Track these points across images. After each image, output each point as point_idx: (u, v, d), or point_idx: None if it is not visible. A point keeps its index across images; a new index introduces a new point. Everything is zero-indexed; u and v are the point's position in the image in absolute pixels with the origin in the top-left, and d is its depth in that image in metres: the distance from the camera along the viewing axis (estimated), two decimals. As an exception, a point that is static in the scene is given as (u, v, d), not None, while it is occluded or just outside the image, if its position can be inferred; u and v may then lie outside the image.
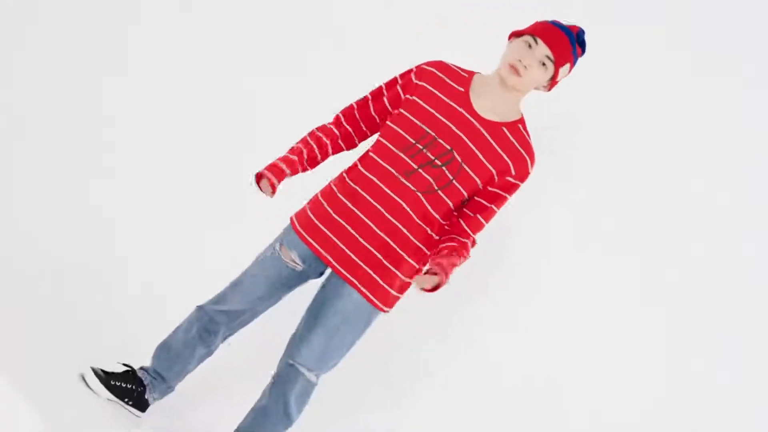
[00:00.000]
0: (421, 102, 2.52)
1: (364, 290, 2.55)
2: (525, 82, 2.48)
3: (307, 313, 2.66)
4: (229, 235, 3.44)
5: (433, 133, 2.48)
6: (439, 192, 2.48)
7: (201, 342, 2.73)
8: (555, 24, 2.51)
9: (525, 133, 2.53)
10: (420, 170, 2.48)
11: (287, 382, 2.63)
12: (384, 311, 2.60)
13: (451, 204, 2.51)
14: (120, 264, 3.39)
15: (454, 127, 2.49)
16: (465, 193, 2.50)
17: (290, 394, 2.62)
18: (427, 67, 2.58)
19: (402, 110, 2.54)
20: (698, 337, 3.28)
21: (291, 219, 2.66)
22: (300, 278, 2.67)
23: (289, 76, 3.53)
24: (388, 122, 2.57)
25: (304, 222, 2.61)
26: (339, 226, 2.54)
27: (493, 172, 2.49)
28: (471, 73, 2.59)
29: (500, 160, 2.49)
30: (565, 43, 2.48)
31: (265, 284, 2.65)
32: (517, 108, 2.55)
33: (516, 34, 2.54)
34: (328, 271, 2.66)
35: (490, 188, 2.52)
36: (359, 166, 2.57)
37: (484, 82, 2.55)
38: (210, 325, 2.71)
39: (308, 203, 2.66)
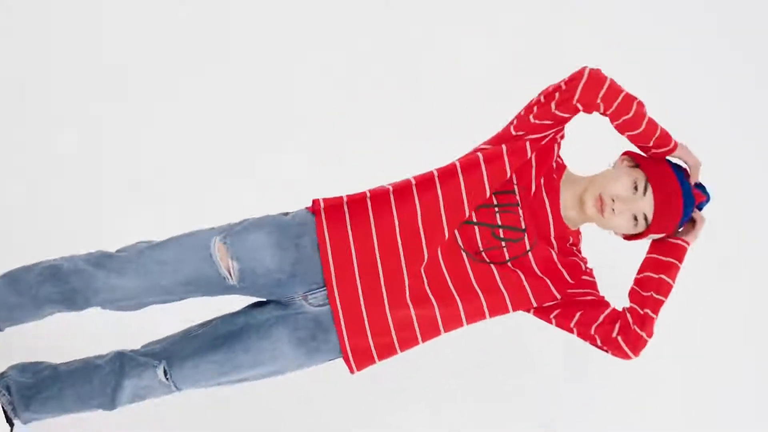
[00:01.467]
0: None
1: (346, 344, 2.02)
2: (603, 223, 2.06)
3: (221, 326, 2.07)
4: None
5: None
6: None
7: (57, 305, 2.03)
8: (681, 182, 2.01)
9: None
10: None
11: (140, 374, 2.06)
12: (350, 371, 2.07)
13: None
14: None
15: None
16: None
17: (132, 384, 2.06)
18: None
19: None
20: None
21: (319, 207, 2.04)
22: (228, 290, 2.03)
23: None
24: None
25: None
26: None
27: None
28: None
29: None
30: (676, 213, 2.00)
31: (175, 277, 1.99)
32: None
33: (630, 159, 2.08)
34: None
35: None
36: None
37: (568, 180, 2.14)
38: (82, 292, 2.01)
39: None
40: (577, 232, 2.14)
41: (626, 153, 2.09)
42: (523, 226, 2.03)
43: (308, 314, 2.03)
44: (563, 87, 1.99)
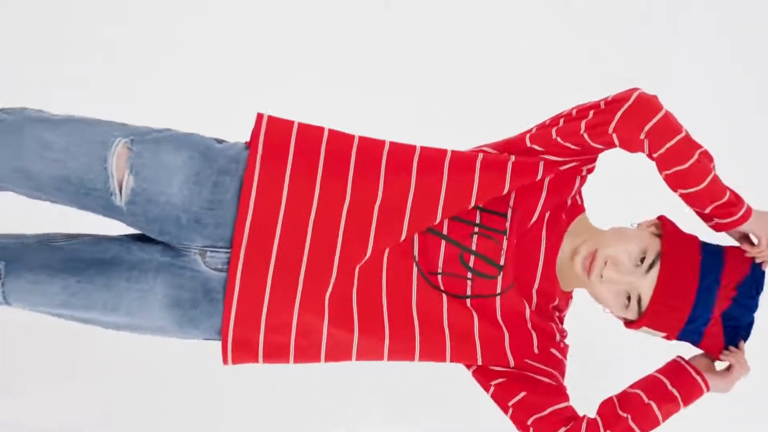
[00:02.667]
0: None
1: (230, 330, 1.53)
2: (590, 289, 1.60)
3: (87, 249, 1.58)
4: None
5: None
6: None
7: None
8: (704, 276, 1.53)
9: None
10: None
11: None
12: (223, 361, 1.56)
13: None
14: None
15: None
16: None
17: None
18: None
19: None
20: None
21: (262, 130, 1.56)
22: (109, 211, 1.53)
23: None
24: None
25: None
26: None
27: None
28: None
29: None
30: (678, 311, 1.53)
31: (53, 170, 1.50)
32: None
33: (659, 227, 1.60)
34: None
35: None
36: None
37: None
38: None
39: None
40: (567, 296, 1.66)
41: (661, 218, 1.60)
42: (502, 262, 1.55)
43: (199, 275, 1.52)
44: (602, 107, 1.52)
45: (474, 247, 1.55)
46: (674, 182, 1.50)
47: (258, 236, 1.50)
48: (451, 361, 1.58)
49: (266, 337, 1.52)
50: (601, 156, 1.59)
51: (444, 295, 1.55)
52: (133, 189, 1.49)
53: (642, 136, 1.47)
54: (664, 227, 1.57)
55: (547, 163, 1.56)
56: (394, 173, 1.54)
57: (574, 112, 1.55)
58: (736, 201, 1.52)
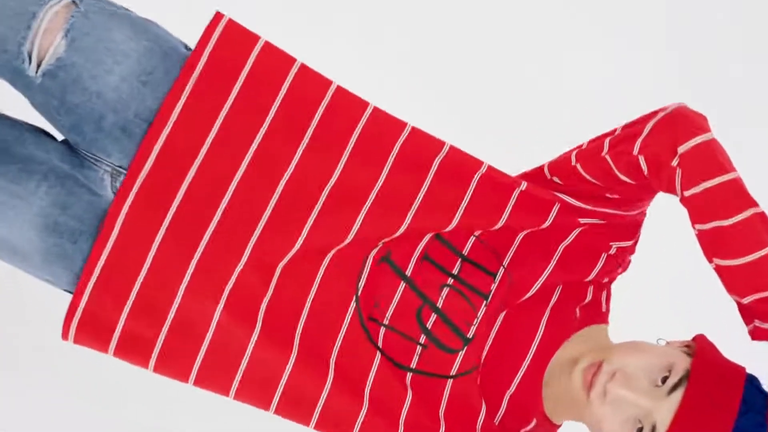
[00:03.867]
0: None
1: (83, 298, 1.12)
2: (586, 411, 1.16)
3: None
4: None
5: None
6: None
7: None
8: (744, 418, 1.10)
9: None
10: None
11: None
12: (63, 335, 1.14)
13: None
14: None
15: None
16: None
17: None
18: None
19: None
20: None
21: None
22: (16, 80, 1.12)
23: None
24: None
25: None
26: None
27: None
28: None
29: None
30: None
31: None
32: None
33: (691, 348, 1.16)
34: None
35: None
36: None
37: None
38: None
39: None
40: (550, 428, 1.22)
41: (698, 336, 1.17)
42: (471, 335, 1.16)
43: (98, 201, 1.13)
44: (633, 122, 1.16)
45: (440, 304, 1.15)
46: (708, 245, 1.09)
47: (164, 171, 1.09)
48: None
49: (128, 322, 1.10)
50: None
51: (378, 355, 1.15)
52: (60, 59, 1.08)
53: (674, 162, 1.07)
54: (699, 344, 1.13)
55: (564, 207, 1.16)
56: (364, 153, 1.13)
57: (616, 131, 1.16)
58: None
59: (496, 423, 1.19)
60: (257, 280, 1.10)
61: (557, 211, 1.16)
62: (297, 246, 1.10)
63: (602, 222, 1.18)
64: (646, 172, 1.09)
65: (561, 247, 1.19)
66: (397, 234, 1.13)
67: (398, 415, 1.16)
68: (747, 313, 1.12)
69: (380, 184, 1.13)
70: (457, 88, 2.46)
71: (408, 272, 1.15)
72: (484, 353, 1.18)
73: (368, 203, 1.12)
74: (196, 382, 1.12)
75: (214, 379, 1.12)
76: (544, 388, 1.18)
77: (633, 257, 1.25)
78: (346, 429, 1.15)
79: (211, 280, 1.10)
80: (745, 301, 1.09)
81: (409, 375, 1.16)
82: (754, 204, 1.06)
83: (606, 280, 1.23)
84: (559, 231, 1.19)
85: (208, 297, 1.10)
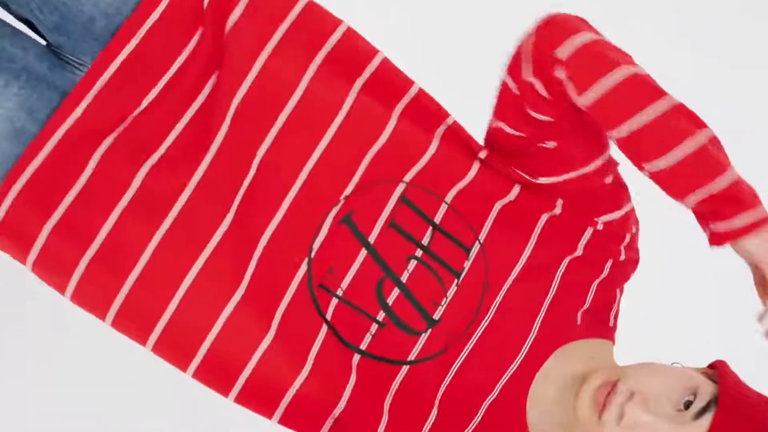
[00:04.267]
0: None
1: (8, 198, 1.02)
2: None
3: None
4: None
5: None
6: None
7: None
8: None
9: None
10: None
11: None
12: None
13: None
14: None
15: None
16: None
17: None
18: None
19: None
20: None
21: None
22: None
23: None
24: None
25: None
26: None
27: None
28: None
29: None
30: None
31: None
32: None
33: (712, 373, 1.02)
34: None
35: None
36: None
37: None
38: None
39: None
40: None
41: (719, 363, 1.02)
42: (438, 317, 0.99)
43: None
44: (513, 58, 1.01)
45: (405, 278, 0.99)
46: (631, 151, 0.95)
47: (125, 83, 0.99)
48: (280, 420, 1.02)
49: (52, 238, 0.97)
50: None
51: (325, 327, 0.99)
52: None
53: (558, 71, 0.93)
54: (723, 370, 1.00)
55: (526, 185, 1.04)
56: (332, 73, 1.02)
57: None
58: (741, 197, 0.93)
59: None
60: (207, 207, 0.98)
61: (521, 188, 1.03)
62: (253, 167, 0.97)
63: (573, 192, 1.02)
64: (541, 91, 0.95)
65: (540, 222, 1.03)
66: (357, 176, 0.98)
67: (338, 396, 1.00)
68: (698, 217, 0.96)
69: (344, 113, 1.00)
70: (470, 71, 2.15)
71: (371, 238, 0.98)
72: (468, 346, 0.99)
73: (330, 131, 0.99)
74: (114, 323, 0.98)
75: (138, 319, 0.98)
76: (528, 400, 1.01)
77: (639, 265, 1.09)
78: (278, 393, 1.00)
79: (152, 205, 0.97)
80: (688, 203, 0.94)
81: (356, 356, 0.99)
82: (664, 94, 0.92)
83: (612, 285, 1.07)
84: (534, 208, 1.03)
85: (144, 223, 0.97)
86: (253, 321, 0.98)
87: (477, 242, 1.00)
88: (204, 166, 0.97)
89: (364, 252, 0.98)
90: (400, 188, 1.00)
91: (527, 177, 1.01)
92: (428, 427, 1.01)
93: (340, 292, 0.98)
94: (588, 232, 1.04)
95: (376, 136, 1.01)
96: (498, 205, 1.03)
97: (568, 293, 1.03)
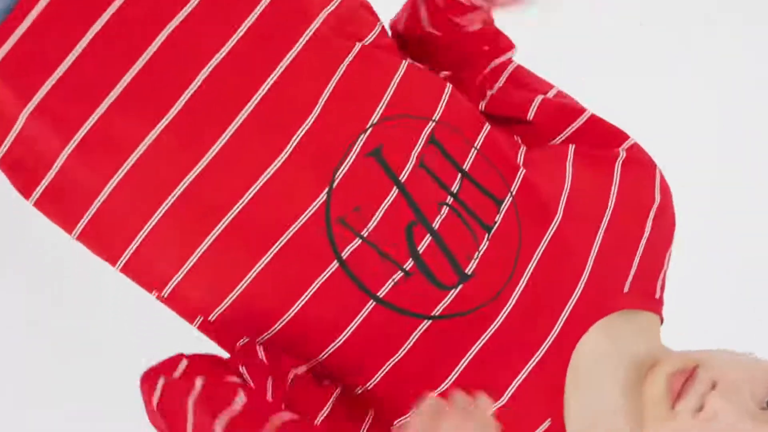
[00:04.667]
0: None
1: None
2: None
3: None
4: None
5: None
6: None
7: None
8: None
9: None
10: None
11: None
12: None
13: None
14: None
15: None
16: None
17: None
18: None
19: None
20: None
21: None
22: None
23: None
24: None
25: None
26: None
27: None
28: None
29: None
30: None
31: None
32: None
33: None
34: None
35: None
36: None
37: None
38: None
39: None
40: None
41: None
42: (469, 272, 0.88)
43: None
44: None
45: (436, 225, 0.88)
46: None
47: None
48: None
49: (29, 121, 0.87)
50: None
51: (335, 264, 0.86)
52: None
53: None
54: None
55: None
56: None
57: None
58: None
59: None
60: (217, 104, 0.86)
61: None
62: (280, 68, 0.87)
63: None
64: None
65: (572, 157, 0.97)
66: (383, 102, 0.89)
67: (328, 342, 0.88)
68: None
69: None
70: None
71: (402, 177, 0.87)
72: (505, 311, 0.87)
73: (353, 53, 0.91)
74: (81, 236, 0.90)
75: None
76: (567, 381, 0.89)
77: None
78: (264, 321, 0.89)
79: (149, 104, 0.85)
80: None
81: (370, 303, 0.87)
82: None
83: (659, 246, 0.97)
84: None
85: (143, 119, 0.85)
86: (247, 245, 0.87)
87: (509, 195, 0.91)
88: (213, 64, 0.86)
89: (395, 191, 0.87)
90: (429, 127, 0.91)
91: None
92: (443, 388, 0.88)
93: (365, 233, 0.86)
94: (617, 167, 0.97)
95: (397, 66, 0.92)
96: (522, 152, 0.97)
97: (612, 254, 0.92)
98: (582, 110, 1.01)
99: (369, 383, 0.89)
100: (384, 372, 0.88)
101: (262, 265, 0.86)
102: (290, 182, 0.86)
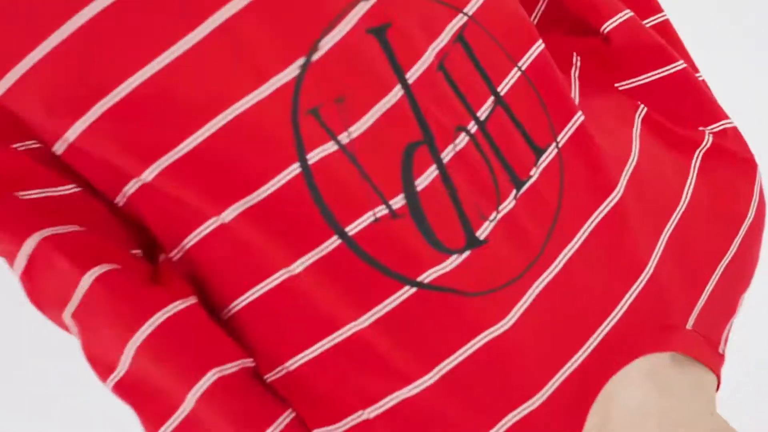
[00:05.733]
0: None
1: None
2: None
3: None
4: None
5: None
6: None
7: None
8: None
9: None
10: None
11: None
12: None
13: None
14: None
15: None
16: None
17: None
18: None
19: None
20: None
21: None
22: None
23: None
24: None
25: None
26: None
27: None
28: None
29: None
30: None
31: None
32: None
33: None
34: None
35: None
36: None
37: None
38: None
39: None
40: None
41: None
42: (481, 237, 0.58)
43: None
44: None
45: (447, 158, 0.58)
46: None
47: None
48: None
49: None
50: None
51: (298, 168, 0.55)
52: None
53: None
54: None
55: None
56: None
57: None
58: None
59: None
60: None
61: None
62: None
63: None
64: None
65: (637, 124, 0.68)
66: None
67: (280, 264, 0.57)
68: None
69: None
70: None
71: (410, 76, 0.57)
72: (521, 305, 0.58)
73: None
74: None
75: None
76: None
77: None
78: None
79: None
80: None
81: (334, 239, 0.56)
82: None
83: (736, 281, 0.71)
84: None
85: None
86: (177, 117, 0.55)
87: (554, 144, 0.62)
88: None
89: (398, 91, 0.57)
90: (459, 20, 0.60)
91: None
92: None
93: (345, 138, 0.56)
94: (697, 157, 0.69)
95: None
96: (575, 88, 0.68)
97: (679, 268, 0.64)
98: (674, 58, 0.70)
99: (301, 356, 0.60)
100: (336, 339, 0.58)
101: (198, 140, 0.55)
102: (250, 42, 0.54)
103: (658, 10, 0.75)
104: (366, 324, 0.57)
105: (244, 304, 0.59)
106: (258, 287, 0.59)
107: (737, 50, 1.96)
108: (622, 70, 0.70)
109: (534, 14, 0.73)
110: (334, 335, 0.58)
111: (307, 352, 0.59)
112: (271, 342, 0.60)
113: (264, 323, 0.60)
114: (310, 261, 0.57)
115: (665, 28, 0.75)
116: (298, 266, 0.57)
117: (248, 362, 0.60)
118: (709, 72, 0.75)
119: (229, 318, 0.61)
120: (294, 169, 0.56)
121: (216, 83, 0.54)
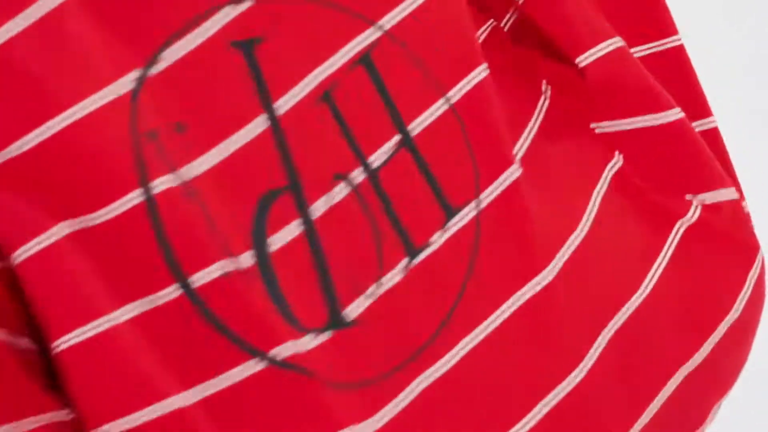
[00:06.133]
0: None
1: None
2: None
3: None
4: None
5: None
6: None
7: None
8: None
9: None
10: None
11: None
12: None
13: None
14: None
15: None
16: None
17: None
18: None
19: None
20: None
21: None
22: None
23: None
24: None
25: None
26: None
27: None
28: None
29: None
30: None
31: None
32: None
33: None
34: None
35: None
36: None
37: None
38: None
39: None
40: None
41: None
42: (350, 318, 0.45)
43: None
44: None
45: (316, 213, 0.46)
46: None
47: None
48: None
49: None
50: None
51: (140, 197, 0.43)
52: None
53: None
54: None
55: None
56: None
57: None
58: None
59: None
60: None
61: None
62: None
63: None
64: None
65: (604, 179, 0.54)
66: None
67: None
68: None
69: None
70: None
71: (279, 106, 0.46)
72: (392, 409, 0.47)
73: None
74: None
75: None
76: None
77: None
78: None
79: None
80: None
81: (175, 288, 0.44)
82: None
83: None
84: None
85: None
86: None
87: (473, 204, 0.48)
88: None
89: (262, 123, 0.45)
90: (367, 37, 0.47)
91: None
92: None
93: (187, 174, 0.44)
94: (676, 232, 0.55)
95: None
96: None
97: (621, 379, 0.51)
98: (667, 105, 0.54)
99: (121, 422, 0.49)
100: (158, 413, 0.46)
101: None
102: (80, 41, 0.44)
103: (670, 32, 0.60)
104: (191, 401, 0.47)
105: (65, 346, 0.49)
106: (80, 330, 0.48)
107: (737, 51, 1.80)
108: (600, 111, 0.56)
109: (505, 20, 0.59)
110: (155, 407, 0.48)
111: (126, 419, 0.49)
112: (92, 398, 0.50)
113: (84, 374, 0.50)
114: (137, 311, 0.46)
115: (677, 58, 0.60)
116: (122, 315, 0.47)
117: (62, 415, 0.51)
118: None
119: (54, 356, 0.51)
120: (135, 197, 0.45)
121: (48, 82, 0.45)
